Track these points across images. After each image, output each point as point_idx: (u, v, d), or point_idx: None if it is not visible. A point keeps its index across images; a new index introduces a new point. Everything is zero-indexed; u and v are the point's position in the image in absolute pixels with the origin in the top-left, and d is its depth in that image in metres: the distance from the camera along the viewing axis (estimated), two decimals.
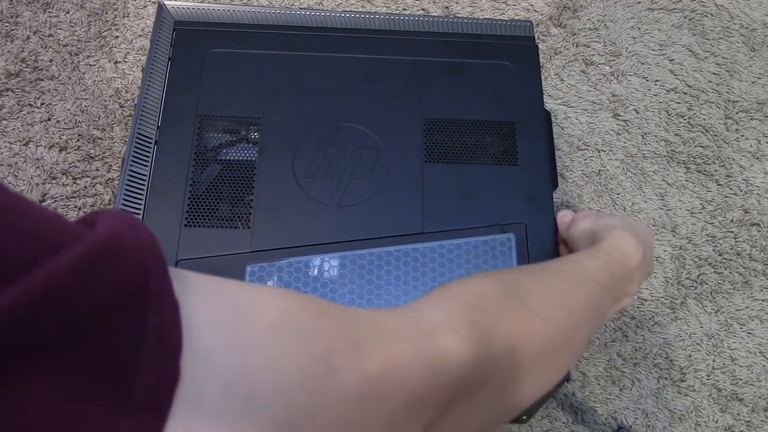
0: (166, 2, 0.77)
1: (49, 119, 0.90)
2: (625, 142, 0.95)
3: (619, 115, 0.97)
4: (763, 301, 0.87)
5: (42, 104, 0.91)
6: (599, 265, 0.53)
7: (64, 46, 0.96)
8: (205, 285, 0.30)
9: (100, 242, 0.24)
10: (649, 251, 0.62)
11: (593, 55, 1.01)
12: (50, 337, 0.23)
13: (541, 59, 0.98)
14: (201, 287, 0.29)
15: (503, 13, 1.03)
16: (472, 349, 0.37)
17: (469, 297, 0.41)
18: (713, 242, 0.90)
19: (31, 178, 0.87)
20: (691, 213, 0.92)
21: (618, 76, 1.00)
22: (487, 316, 0.40)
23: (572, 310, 0.48)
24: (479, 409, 0.39)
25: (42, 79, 0.93)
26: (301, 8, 0.79)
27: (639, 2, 1.05)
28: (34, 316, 0.22)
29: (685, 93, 0.99)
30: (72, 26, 0.97)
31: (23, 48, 0.95)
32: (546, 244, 0.67)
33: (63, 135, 0.90)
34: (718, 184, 0.94)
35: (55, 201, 0.86)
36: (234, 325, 0.29)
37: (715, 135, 0.97)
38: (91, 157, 0.89)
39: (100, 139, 0.90)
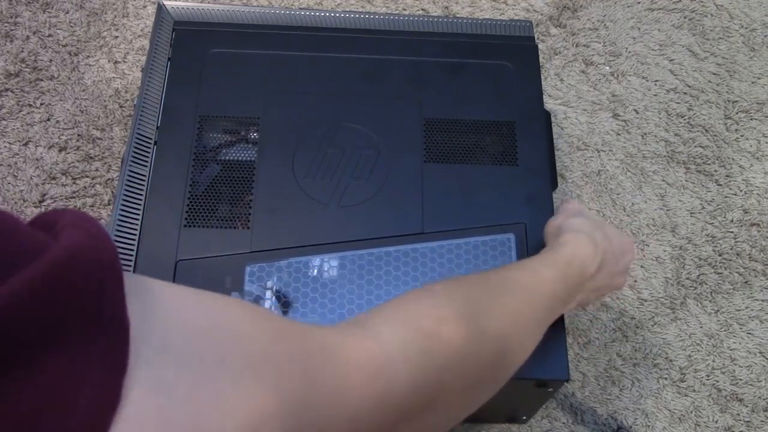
0: (165, 2, 0.77)
1: (48, 119, 0.90)
2: (625, 142, 0.95)
3: (618, 115, 0.97)
4: (763, 301, 0.87)
5: (42, 104, 0.91)
6: (555, 276, 0.54)
7: (63, 46, 0.96)
8: (166, 301, 0.30)
9: (60, 260, 0.24)
10: (619, 266, 0.61)
11: (593, 55, 1.01)
12: (10, 350, 0.23)
13: (541, 59, 0.98)
14: (162, 304, 0.29)
15: (503, 13, 1.03)
16: (423, 379, 0.38)
17: (426, 323, 0.41)
18: (713, 242, 0.90)
19: (31, 178, 0.87)
20: (691, 213, 0.92)
21: (618, 76, 1.00)
22: (440, 346, 0.40)
23: (522, 326, 0.48)
24: (422, 427, 0.40)
25: (41, 79, 0.93)
26: (301, 8, 0.79)
27: (639, 2, 1.05)
28: None
29: (685, 93, 0.99)
30: (72, 26, 0.97)
31: (23, 48, 0.95)
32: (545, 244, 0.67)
33: (63, 135, 0.89)
34: (718, 184, 0.94)
35: (55, 201, 0.86)
36: (186, 356, 0.28)
37: (715, 135, 0.97)
38: (91, 157, 0.89)
39: (100, 139, 0.90)
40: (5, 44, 0.95)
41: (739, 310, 0.87)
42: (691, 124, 0.97)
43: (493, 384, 0.46)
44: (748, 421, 0.81)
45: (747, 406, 0.82)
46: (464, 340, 0.42)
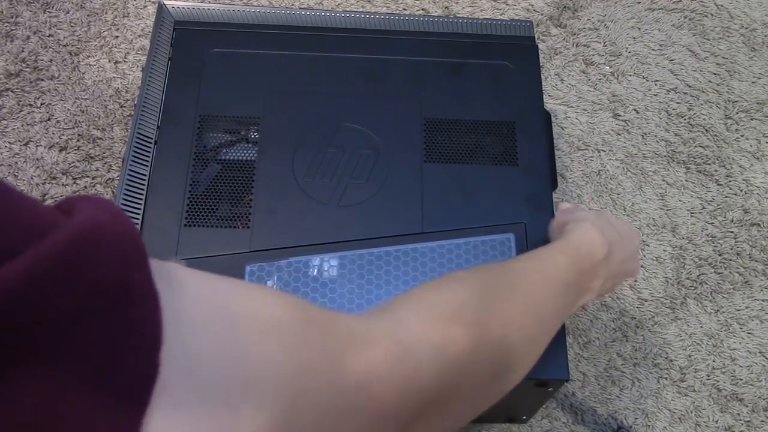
0: (166, 2, 0.77)
1: (49, 119, 0.90)
2: (625, 142, 0.95)
3: (619, 115, 0.97)
4: (763, 301, 0.87)
5: (42, 104, 0.91)
6: (567, 262, 0.54)
7: (64, 46, 0.96)
8: (195, 286, 0.29)
9: (82, 231, 0.24)
10: (629, 251, 0.62)
11: (593, 55, 1.01)
12: (32, 331, 0.22)
13: (541, 59, 0.98)
14: (190, 289, 0.29)
15: (503, 13, 1.03)
16: (446, 367, 0.38)
17: (447, 308, 0.42)
18: (713, 242, 0.90)
19: (31, 178, 0.87)
20: (691, 213, 0.92)
21: (618, 76, 1.00)
22: (463, 330, 0.41)
23: (540, 313, 0.49)
24: (446, 417, 0.41)
25: (42, 79, 0.93)
26: (301, 8, 0.79)
27: (639, 2, 1.05)
28: (16, 308, 0.21)
29: (685, 93, 0.99)
30: (72, 26, 0.97)
31: (23, 48, 0.95)
32: (545, 244, 0.67)
33: (63, 135, 0.90)
34: (718, 184, 0.94)
35: (55, 201, 0.86)
36: (222, 334, 0.28)
37: (715, 135, 0.97)
38: (91, 157, 0.89)
39: (100, 139, 0.90)
40: (6, 44, 0.95)
41: (739, 310, 0.87)
42: (691, 124, 0.97)
43: (510, 375, 0.46)
44: (748, 421, 0.81)
45: (747, 406, 0.82)
46: (484, 327, 0.42)
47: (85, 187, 0.87)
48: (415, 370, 0.37)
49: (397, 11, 1.02)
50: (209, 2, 0.80)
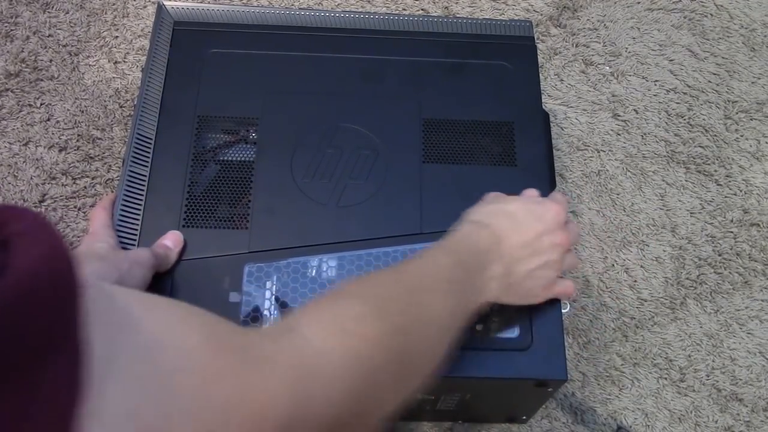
0: (165, 2, 0.77)
1: (48, 119, 0.91)
2: (624, 143, 0.95)
3: (618, 116, 0.97)
4: (762, 301, 0.87)
5: (42, 104, 0.92)
6: (450, 261, 0.54)
7: (63, 46, 0.96)
8: (128, 318, 0.30)
9: (16, 290, 0.23)
10: (530, 234, 0.58)
11: (593, 55, 1.01)
12: None
13: (540, 59, 0.98)
14: (121, 320, 0.30)
15: (503, 13, 1.03)
16: (353, 381, 0.40)
17: (347, 322, 0.43)
18: (713, 242, 0.90)
19: (31, 178, 0.87)
20: (691, 213, 0.92)
21: (618, 76, 1.00)
22: (365, 343, 0.42)
23: (435, 316, 0.49)
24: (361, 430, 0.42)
25: (42, 79, 0.93)
26: (300, 8, 0.79)
27: (639, 2, 1.05)
28: None
29: (684, 93, 0.99)
30: (72, 26, 0.97)
31: (23, 48, 0.95)
32: None
33: (63, 135, 0.90)
34: (718, 184, 0.94)
35: (55, 201, 0.86)
36: (144, 377, 0.29)
37: (715, 135, 0.96)
38: (91, 158, 0.89)
39: (100, 139, 0.90)
40: (5, 44, 0.95)
41: (739, 310, 0.87)
42: (691, 124, 0.97)
43: (417, 377, 0.47)
44: (748, 421, 0.81)
45: (747, 406, 0.82)
46: (385, 336, 0.44)
47: (85, 187, 0.87)
48: (324, 388, 0.38)
49: (397, 11, 1.02)
50: (209, 2, 0.80)
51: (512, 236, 0.57)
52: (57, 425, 0.24)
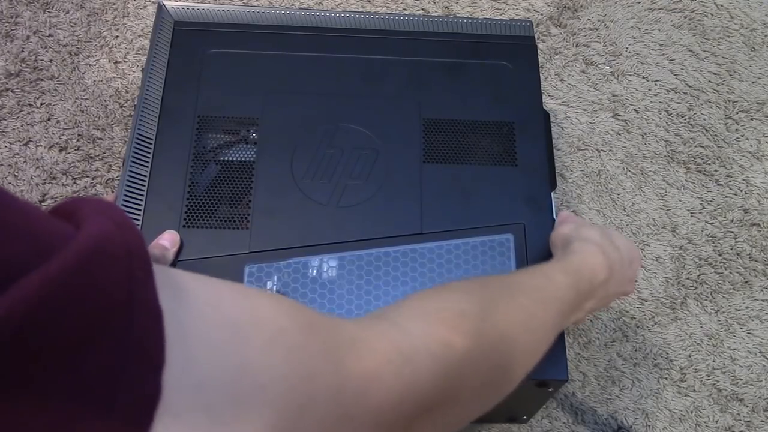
0: (165, 2, 0.77)
1: (49, 119, 0.91)
2: (625, 142, 0.95)
3: (619, 115, 0.97)
4: (763, 301, 0.87)
5: (42, 104, 0.91)
6: (568, 283, 0.54)
7: (64, 46, 0.96)
8: (199, 295, 0.30)
9: (88, 249, 0.23)
10: (629, 273, 0.62)
11: (593, 55, 1.01)
12: (37, 356, 0.21)
13: (541, 59, 0.98)
14: (194, 297, 0.29)
15: (503, 13, 1.03)
16: (444, 374, 0.39)
17: (447, 316, 0.42)
18: (713, 242, 0.90)
19: (31, 178, 0.87)
20: (691, 213, 0.92)
21: (618, 76, 1.00)
22: (462, 339, 0.41)
23: (536, 328, 0.49)
24: (442, 423, 0.41)
25: (42, 79, 0.93)
26: (300, 8, 0.79)
27: (639, 2, 1.05)
28: (24, 334, 0.21)
29: (685, 93, 0.99)
30: (72, 26, 0.97)
31: (23, 48, 0.95)
32: (544, 244, 0.67)
33: (63, 135, 0.90)
34: (718, 184, 0.94)
35: (55, 201, 0.86)
36: (226, 345, 0.29)
37: (715, 135, 0.96)
38: (91, 157, 0.89)
39: (100, 139, 0.90)
40: (6, 44, 0.95)
41: (739, 310, 0.87)
42: (691, 124, 0.97)
43: (506, 384, 0.47)
44: (748, 421, 0.81)
45: (747, 406, 0.82)
46: (483, 337, 0.43)
47: (85, 187, 0.87)
48: (414, 377, 0.37)
49: (397, 11, 1.02)
50: (209, 2, 0.80)
51: (618, 274, 0.59)
52: (146, 380, 0.24)
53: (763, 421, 0.81)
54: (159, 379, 0.25)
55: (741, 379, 0.83)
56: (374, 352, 0.36)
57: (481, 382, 0.43)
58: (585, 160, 0.94)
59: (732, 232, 0.91)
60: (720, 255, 0.89)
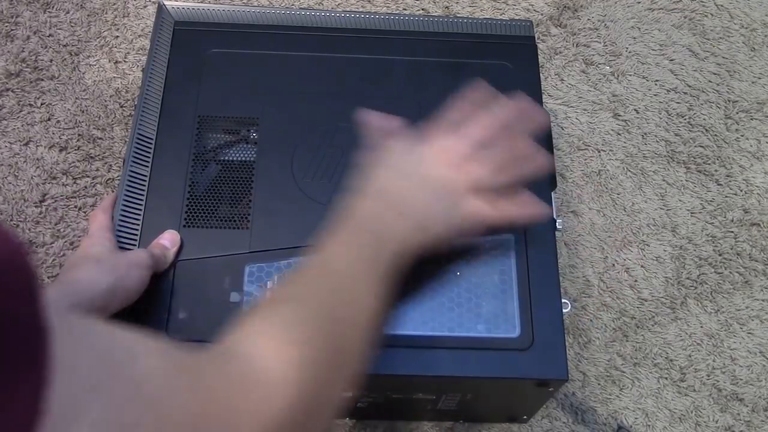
0: (165, 2, 0.77)
1: (49, 119, 0.91)
2: (625, 142, 0.95)
3: (619, 115, 0.97)
4: (763, 301, 0.87)
5: (42, 104, 0.92)
6: (343, 242, 0.54)
7: (64, 46, 0.96)
8: (84, 331, 0.31)
9: None
10: (435, 191, 0.57)
11: (593, 55, 1.01)
12: None
13: (541, 59, 0.98)
14: (80, 332, 0.30)
15: (503, 13, 1.03)
16: (301, 389, 0.41)
17: (294, 335, 0.45)
18: (713, 242, 0.90)
19: (31, 178, 0.87)
20: (691, 213, 0.92)
21: (618, 76, 1.00)
22: (309, 350, 0.44)
23: (359, 300, 0.51)
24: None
25: (42, 79, 0.93)
26: (301, 8, 0.79)
27: (639, 2, 1.05)
28: None
29: (685, 93, 0.99)
30: (72, 26, 0.97)
31: (23, 48, 0.95)
32: (545, 244, 0.67)
33: (63, 135, 0.90)
34: (718, 184, 0.94)
35: (56, 201, 0.86)
36: (101, 383, 0.30)
37: (715, 135, 0.96)
38: (92, 157, 0.89)
39: (101, 139, 0.90)
40: (6, 44, 0.95)
41: (739, 310, 0.87)
42: (691, 124, 0.97)
43: (355, 364, 0.49)
44: (748, 421, 0.81)
45: (747, 406, 0.82)
46: (326, 334, 0.46)
47: (85, 187, 0.87)
48: (272, 404, 0.39)
49: (397, 11, 1.02)
50: (209, 2, 0.80)
51: (415, 199, 0.57)
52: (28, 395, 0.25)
53: (763, 421, 0.82)
54: (44, 397, 0.25)
55: (741, 379, 0.83)
56: (238, 387, 0.38)
57: (336, 383, 0.46)
58: (585, 160, 0.94)
59: (732, 231, 0.91)
60: (720, 255, 0.89)
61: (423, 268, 0.66)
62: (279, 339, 0.43)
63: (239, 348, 0.43)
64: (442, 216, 0.57)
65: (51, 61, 0.94)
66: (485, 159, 0.59)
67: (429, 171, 0.58)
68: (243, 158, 0.69)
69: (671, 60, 1.01)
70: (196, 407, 0.35)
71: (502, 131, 0.60)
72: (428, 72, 0.75)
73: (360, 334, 0.50)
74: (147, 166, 0.68)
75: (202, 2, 0.78)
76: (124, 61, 0.96)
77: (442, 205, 0.57)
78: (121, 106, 0.92)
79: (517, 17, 1.02)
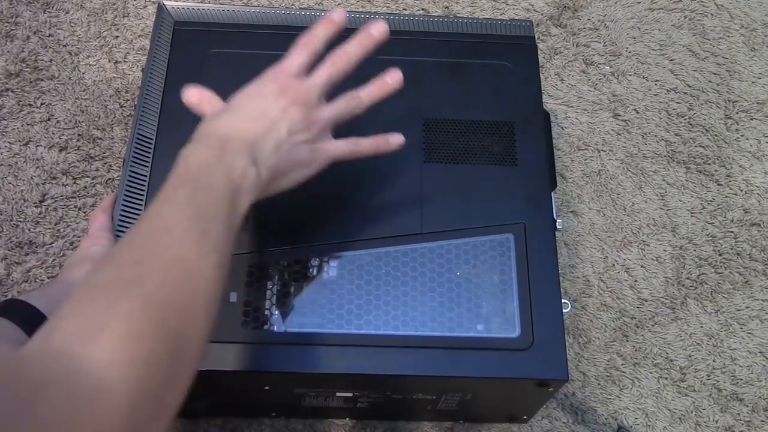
0: (165, 2, 0.77)
1: (49, 119, 0.91)
2: (625, 142, 0.95)
3: (619, 115, 0.97)
4: (763, 301, 0.87)
5: (42, 104, 0.92)
6: (186, 198, 0.47)
7: (64, 46, 0.96)
8: None
9: None
10: (256, 123, 0.53)
11: (593, 55, 1.01)
12: None
13: (541, 59, 0.98)
14: None
15: (503, 13, 1.03)
16: (143, 382, 0.37)
17: (121, 330, 0.38)
18: (713, 242, 0.90)
19: (31, 178, 0.87)
20: (692, 213, 0.92)
21: (618, 76, 1.00)
22: (139, 345, 0.38)
23: (192, 274, 0.44)
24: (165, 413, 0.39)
25: (42, 79, 0.93)
26: (301, 8, 0.79)
27: (639, 2, 1.05)
28: None
29: (685, 93, 0.99)
30: (72, 26, 0.97)
31: (23, 48, 0.95)
32: (545, 244, 0.67)
33: (63, 135, 0.90)
34: (718, 184, 0.94)
35: (55, 201, 0.86)
36: None
37: (715, 135, 0.96)
38: (91, 157, 0.89)
39: (100, 139, 0.90)
40: (6, 44, 0.95)
41: (739, 310, 0.87)
42: (691, 124, 0.97)
43: (196, 350, 0.44)
44: (748, 421, 0.81)
45: (747, 406, 0.82)
46: (157, 324, 0.40)
47: (85, 187, 0.87)
48: (111, 404, 0.35)
49: (397, 11, 1.02)
50: (209, 2, 0.80)
51: (236, 131, 0.53)
52: None
53: (763, 421, 0.82)
54: None
55: (741, 379, 0.83)
56: (67, 394, 0.34)
57: (174, 365, 0.40)
58: (585, 160, 0.94)
59: (732, 231, 0.91)
60: (720, 255, 0.89)
61: (424, 268, 0.66)
62: (112, 333, 0.38)
63: (66, 346, 0.37)
64: (272, 146, 0.53)
65: (51, 61, 0.94)
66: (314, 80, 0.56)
67: (254, 101, 0.55)
68: None
69: (671, 60, 1.01)
70: (22, 413, 0.32)
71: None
72: (428, 72, 0.75)
73: (200, 315, 0.44)
74: (147, 166, 0.68)
75: (202, 2, 0.78)
76: (124, 61, 0.96)
77: (273, 135, 0.54)
78: (121, 106, 0.92)
79: (517, 17, 1.02)
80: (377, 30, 0.59)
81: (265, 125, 0.54)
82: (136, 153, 0.68)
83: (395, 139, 0.62)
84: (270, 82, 0.57)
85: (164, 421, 0.40)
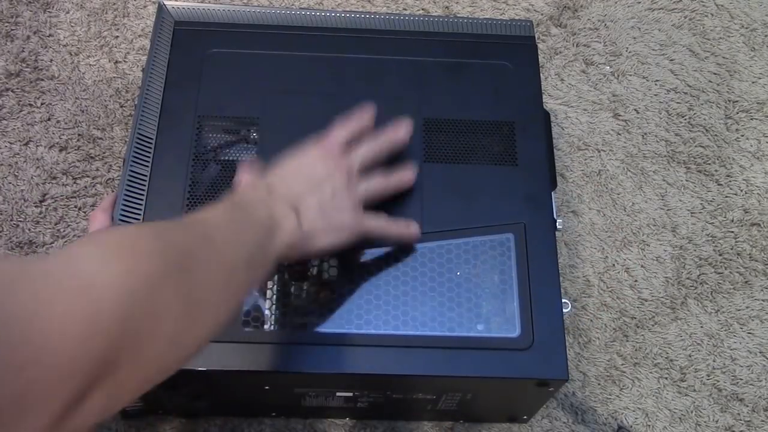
0: (166, 2, 0.77)
1: (49, 119, 0.91)
2: (625, 142, 0.95)
3: (619, 115, 0.97)
4: (763, 301, 0.87)
5: (42, 104, 0.92)
6: (219, 215, 0.51)
7: (64, 46, 0.96)
8: None
9: None
10: (299, 181, 0.59)
11: (593, 55, 1.01)
12: None
13: (541, 59, 0.98)
14: None
15: (503, 13, 1.03)
16: (129, 301, 0.36)
17: (123, 239, 0.40)
18: (713, 242, 0.90)
19: (31, 178, 0.87)
20: (692, 213, 0.92)
21: (618, 76, 1.00)
22: (143, 258, 0.39)
23: (219, 252, 0.47)
24: (133, 374, 0.38)
25: (42, 79, 0.93)
26: (301, 8, 0.79)
27: (639, 2, 1.05)
28: None
29: (685, 93, 0.99)
30: (72, 26, 0.97)
31: (23, 48, 0.95)
32: (545, 244, 0.67)
33: (63, 135, 0.90)
34: (719, 184, 0.94)
35: (55, 201, 0.86)
36: None
37: (716, 135, 0.96)
38: (92, 157, 0.89)
39: (101, 139, 0.90)
40: (6, 44, 0.95)
41: (739, 310, 0.87)
42: (691, 124, 0.97)
43: (204, 317, 0.44)
44: (748, 421, 0.81)
45: (747, 406, 0.82)
46: (166, 256, 0.41)
47: (86, 186, 0.87)
48: (96, 307, 0.34)
49: (397, 11, 1.02)
50: (209, 2, 0.80)
51: (294, 183, 0.58)
52: None
53: (763, 420, 0.82)
54: None
55: (741, 379, 0.83)
56: (40, 290, 0.33)
57: (171, 313, 0.40)
58: (585, 160, 0.94)
59: (732, 231, 0.91)
60: (720, 255, 0.89)
61: (424, 268, 0.66)
62: (120, 246, 0.39)
63: (71, 251, 0.38)
64: (315, 203, 0.58)
65: (51, 61, 0.94)
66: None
67: (301, 162, 0.61)
68: (243, 158, 0.69)
69: (671, 60, 1.01)
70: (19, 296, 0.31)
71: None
72: (428, 72, 0.75)
73: (217, 282, 0.45)
74: (147, 166, 0.68)
75: (202, 2, 0.78)
76: (124, 61, 0.96)
77: (317, 193, 0.59)
78: (121, 106, 0.92)
79: (517, 17, 1.02)
80: (405, 131, 0.67)
81: (310, 184, 0.59)
82: (136, 153, 0.68)
83: (416, 229, 0.66)
84: (316, 149, 0.62)
85: (156, 351, 0.39)
